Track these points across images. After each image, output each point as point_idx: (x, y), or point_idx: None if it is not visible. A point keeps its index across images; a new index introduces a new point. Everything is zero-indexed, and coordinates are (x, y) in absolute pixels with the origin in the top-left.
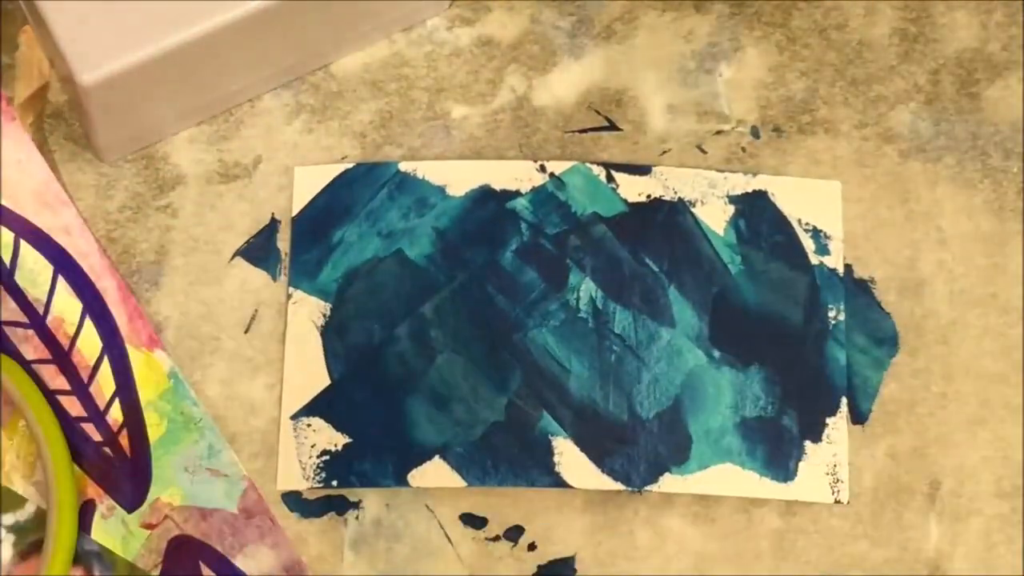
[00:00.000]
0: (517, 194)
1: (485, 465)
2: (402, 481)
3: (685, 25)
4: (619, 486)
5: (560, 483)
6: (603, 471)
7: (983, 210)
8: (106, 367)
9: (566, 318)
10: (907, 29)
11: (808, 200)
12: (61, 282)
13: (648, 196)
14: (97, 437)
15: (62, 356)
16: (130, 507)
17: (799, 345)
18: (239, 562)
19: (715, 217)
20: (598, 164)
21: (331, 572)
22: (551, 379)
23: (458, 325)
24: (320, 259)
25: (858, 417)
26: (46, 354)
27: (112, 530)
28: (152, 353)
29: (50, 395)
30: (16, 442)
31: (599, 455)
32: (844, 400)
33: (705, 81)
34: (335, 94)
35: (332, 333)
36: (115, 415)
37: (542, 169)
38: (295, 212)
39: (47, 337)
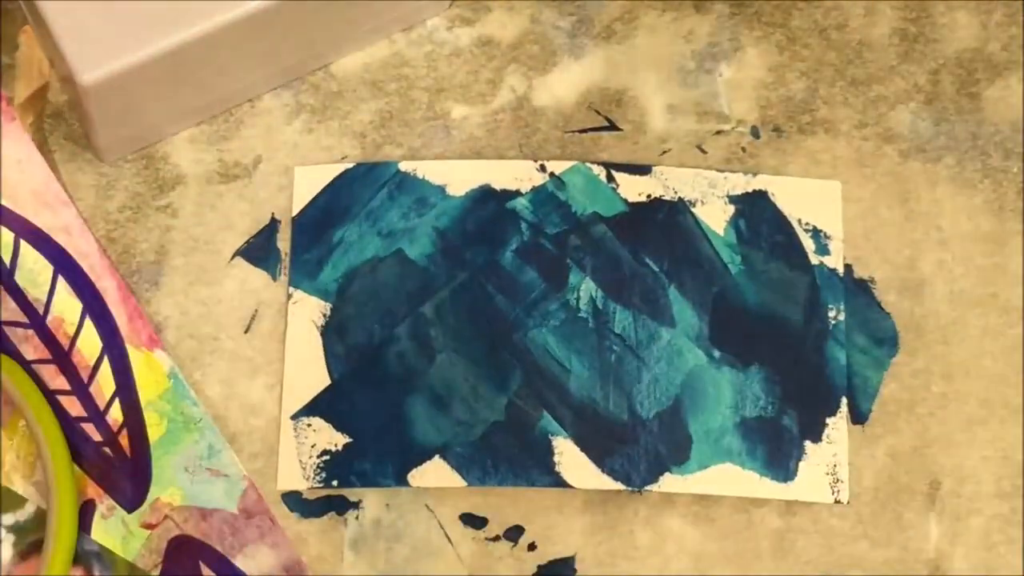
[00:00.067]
0: (517, 194)
1: (485, 465)
2: (402, 481)
3: (685, 25)
4: (619, 486)
5: (560, 483)
6: (603, 471)
7: (983, 210)
8: (106, 367)
9: (566, 318)
10: (907, 29)
11: (808, 200)
12: (61, 282)
13: (648, 196)
14: (97, 437)
15: (62, 356)
16: (130, 507)
17: (799, 345)
18: (239, 562)
19: (715, 217)
20: (598, 164)
21: (331, 572)
22: (551, 379)
23: (458, 325)
24: (320, 259)
25: (858, 417)
26: (46, 354)
27: (112, 530)
28: (152, 353)
29: (50, 395)
30: (16, 442)
31: (599, 455)
32: (844, 400)
33: (705, 81)
34: (335, 94)
35: (332, 333)
36: (115, 415)
37: (542, 169)
38: (295, 212)
39: (47, 337)
